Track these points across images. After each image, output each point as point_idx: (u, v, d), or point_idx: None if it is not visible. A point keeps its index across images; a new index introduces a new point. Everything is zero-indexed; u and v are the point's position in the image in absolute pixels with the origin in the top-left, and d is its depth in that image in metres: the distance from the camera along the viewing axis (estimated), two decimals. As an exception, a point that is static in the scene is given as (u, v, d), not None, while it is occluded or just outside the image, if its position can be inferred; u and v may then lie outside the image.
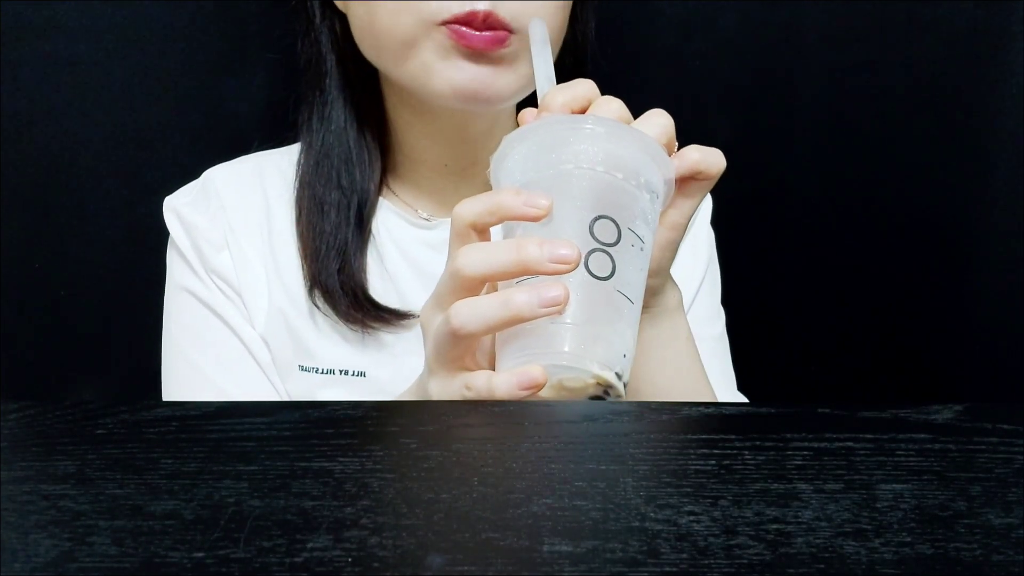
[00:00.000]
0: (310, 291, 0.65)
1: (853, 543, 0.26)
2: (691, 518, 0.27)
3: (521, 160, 0.43)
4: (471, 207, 0.42)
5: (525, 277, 0.41)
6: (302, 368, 0.66)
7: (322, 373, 0.66)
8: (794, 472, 0.30)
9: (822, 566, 0.25)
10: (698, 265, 0.73)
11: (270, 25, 0.78)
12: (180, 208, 0.68)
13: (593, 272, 0.40)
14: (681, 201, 0.47)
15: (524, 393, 0.39)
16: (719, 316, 0.74)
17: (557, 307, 0.39)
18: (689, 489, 0.29)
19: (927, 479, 0.30)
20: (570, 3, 0.61)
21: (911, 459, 0.31)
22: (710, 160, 0.45)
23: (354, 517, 0.27)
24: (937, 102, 0.85)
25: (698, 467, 0.30)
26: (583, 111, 0.45)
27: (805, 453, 0.31)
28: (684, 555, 0.25)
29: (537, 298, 0.39)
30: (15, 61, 0.76)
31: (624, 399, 0.41)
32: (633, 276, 0.42)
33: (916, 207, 0.88)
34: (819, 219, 0.89)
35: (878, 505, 0.28)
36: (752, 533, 0.26)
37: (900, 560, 0.25)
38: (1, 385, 0.82)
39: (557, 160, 0.42)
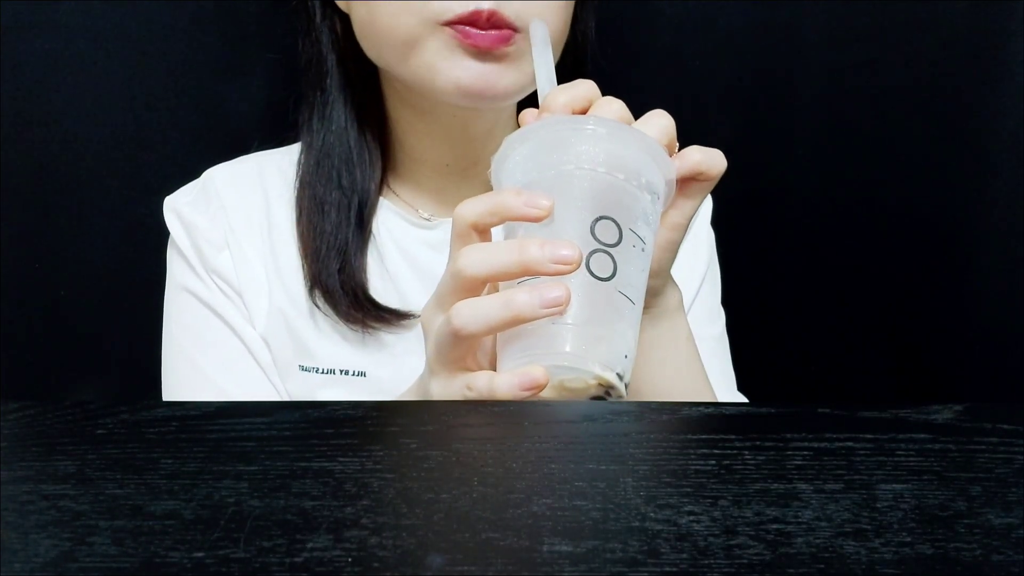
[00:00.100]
0: (310, 291, 0.65)
1: (853, 543, 0.26)
2: (691, 518, 0.27)
3: (522, 161, 0.43)
4: (472, 207, 0.42)
5: (526, 278, 0.41)
6: (302, 368, 0.66)
7: (322, 373, 0.66)
8: (794, 472, 0.30)
9: (822, 566, 0.25)
10: (698, 265, 0.73)
11: (270, 25, 0.78)
12: (180, 208, 0.68)
13: (594, 273, 0.40)
14: (682, 202, 0.47)
15: (525, 394, 0.39)
16: (719, 316, 0.74)
17: (558, 308, 0.39)
18: (689, 489, 0.29)
19: (927, 479, 0.30)
20: (572, 3, 0.61)
21: (911, 459, 0.31)
22: (711, 161, 0.45)
23: (354, 517, 0.27)
24: (937, 102, 0.85)
25: (698, 467, 0.30)
26: (584, 112, 0.45)
27: (805, 453, 0.31)
28: (684, 555, 0.25)
29: (538, 299, 0.39)
30: (15, 61, 0.76)
31: (625, 399, 0.41)
32: (634, 277, 0.42)
33: (916, 207, 0.88)
34: (819, 219, 0.89)
35: (878, 505, 0.28)
36: (752, 533, 0.26)
37: (900, 560, 0.25)
38: (1, 385, 0.82)
39: (558, 161, 0.42)
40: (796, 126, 0.87)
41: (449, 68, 0.57)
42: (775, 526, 0.27)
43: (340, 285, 0.64)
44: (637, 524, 0.27)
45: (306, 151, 0.67)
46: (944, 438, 0.33)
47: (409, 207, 0.69)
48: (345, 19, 0.64)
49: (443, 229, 0.68)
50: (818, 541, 0.26)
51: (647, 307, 0.48)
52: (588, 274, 0.40)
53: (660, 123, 0.45)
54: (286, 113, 0.69)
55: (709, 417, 0.36)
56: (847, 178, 0.88)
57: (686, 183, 0.46)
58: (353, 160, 0.66)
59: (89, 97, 0.78)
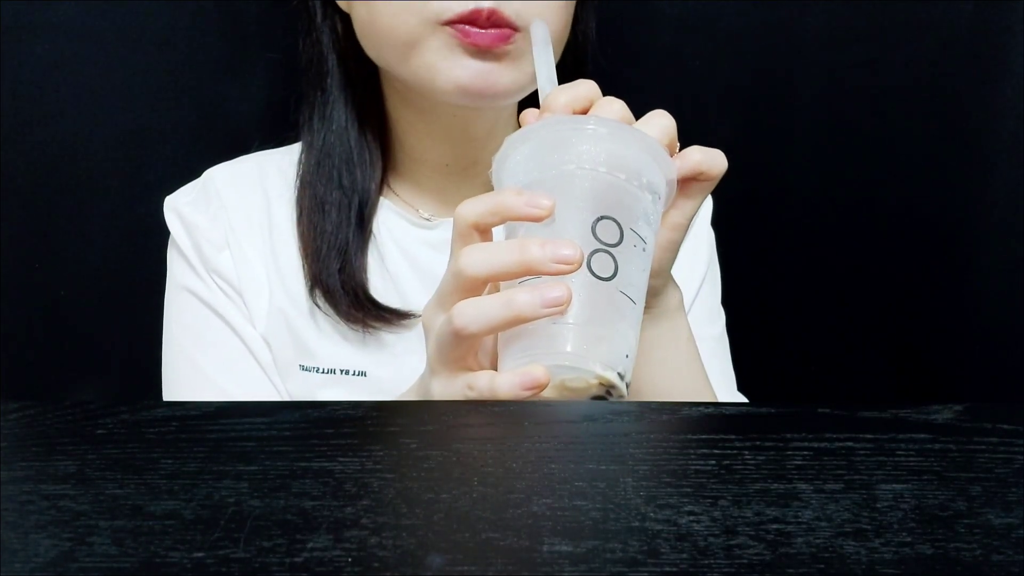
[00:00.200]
0: (311, 291, 0.65)
1: (853, 543, 0.26)
2: (691, 518, 0.27)
3: (523, 160, 0.44)
4: (473, 207, 0.42)
5: (527, 277, 0.41)
6: (303, 368, 0.66)
7: (323, 373, 0.66)
8: (794, 472, 0.30)
9: (822, 566, 0.25)
10: (698, 265, 0.73)
11: (270, 25, 0.78)
12: (181, 208, 0.68)
13: (595, 272, 0.40)
14: (682, 202, 0.47)
15: (527, 393, 0.39)
16: (719, 316, 0.74)
17: (559, 307, 0.39)
18: (689, 489, 0.29)
19: (927, 479, 0.30)
20: (572, 3, 0.61)
21: (911, 459, 0.31)
22: (712, 161, 0.45)
23: (354, 517, 0.27)
24: (937, 102, 0.85)
25: (698, 467, 0.30)
26: (585, 112, 0.45)
27: (805, 453, 0.31)
28: (684, 555, 0.25)
29: (540, 298, 0.39)
30: (15, 61, 0.76)
31: (626, 399, 0.41)
32: (635, 276, 0.42)
33: (916, 207, 0.88)
34: (819, 219, 0.89)
35: (878, 505, 0.28)
36: (752, 533, 0.26)
37: (900, 560, 0.25)
38: (1, 385, 0.82)
39: (559, 161, 0.42)
40: (796, 126, 0.87)
41: (449, 68, 0.57)
42: (775, 526, 0.27)
43: (341, 285, 0.64)
44: (637, 524, 0.27)
45: (307, 151, 0.67)
46: (944, 438, 0.33)
47: (409, 207, 0.69)
48: (346, 19, 0.64)
49: (443, 229, 0.68)
50: (818, 541, 0.26)
51: (648, 307, 0.48)
52: (589, 274, 0.40)
53: (661, 123, 0.45)
54: (286, 113, 0.69)
55: (709, 417, 0.36)
56: (847, 178, 0.88)
57: (687, 183, 0.46)
58: (354, 160, 0.66)
59: (89, 97, 0.78)
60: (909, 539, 0.26)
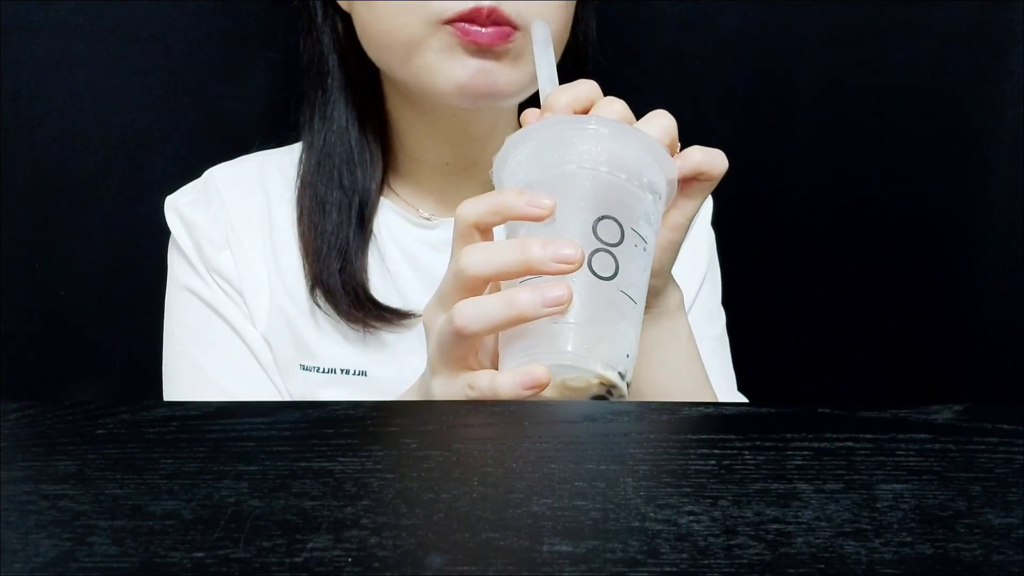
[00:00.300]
0: (311, 290, 0.65)
1: (853, 543, 0.26)
2: (691, 518, 0.27)
3: (524, 160, 0.44)
4: (475, 207, 0.42)
5: (528, 277, 0.41)
6: (303, 367, 0.66)
7: (323, 372, 0.66)
8: (794, 472, 0.30)
9: (822, 566, 0.25)
10: (698, 265, 0.73)
11: (270, 25, 0.78)
12: (181, 207, 0.68)
13: (596, 272, 0.40)
14: (683, 202, 0.47)
15: (527, 393, 0.39)
16: (719, 316, 0.74)
17: (560, 307, 0.39)
18: (689, 489, 0.29)
19: (927, 479, 0.30)
20: (573, 3, 0.61)
21: (911, 459, 0.31)
22: (712, 161, 0.45)
23: (354, 517, 0.27)
24: (937, 102, 0.85)
25: (698, 467, 0.30)
26: (586, 112, 0.45)
27: (805, 453, 0.31)
28: (684, 555, 0.25)
29: (541, 298, 0.39)
30: (15, 61, 0.76)
31: (627, 399, 0.41)
32: (636, 276, 0.42)
33: (916, 207, 0.88)
34: (819, 219, 0.89)
35: (878, 505, 0.28)
36: (752, 533, 0.26)
37: (900, 560, 0.25)
38: (1, 385, 0.82)
39: (560, 160, 0.42)
40: (796, 126, 0.87)
41: (449, 68, 0.57)
42: (775, 526, 0.27)
43: (341, 284, 0.64)
44: (637, 524, 0.27)
45: (307, 151, 0.67)
46: (944, 438, 0.33)
47: (410, 207, 0.69)
48: (347, 19, 0.64)
49: (443, 229, 0.68)
50: (818, 541, 0.26)
51: (648, 307, 0.48)
52: (590, 273, 0.40)
53: (662, 123, 0.45)
54: (287, 113, 0.69)
55: (709, 417, 0.36)
56: (847, 178, 0.88)
57: (687, 183, 0.46)
58: (354, 160, 0.66)
59: (89, 97, 0.78)
60: (909, 539, 0.26)
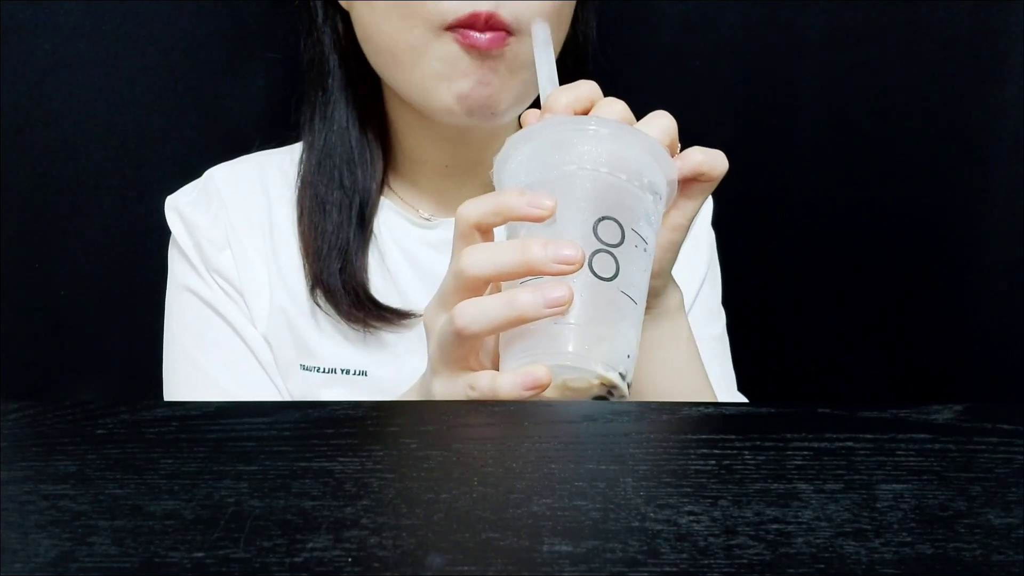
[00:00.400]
0: (312, 290, 0.65)
1: (853, 543, 0.26)
2: (691, 518, 0.27)
3: (525, 161, 0.44)
4: (475, 207, 0.42)
5: (529, 278, 0.41)
6: (304, 367, 0.66)
7: (323, 372, 0.66)
8: (794, 472, 0.30)
9: (822, 566, 0.25)
10: (698, 266, 0.73)
11: (271, 25, 0.78)
12: (182, 207, 0.68)
13: (597, 273, 0.40)
14: (683, 202, 0.47)
15: (528, 393, 0.39)
16: (719, 316, 0.74)
17: (561, 307, 0.39)
18: (689, 489, 0.29)
19: (927, 479, 0.30)
20: (572, 3, 0.61)
21: (911, 459, 0.31)
22: (713, 162, 0.45)
23: (354, 517, 0.27)
24: (937, 102, 0.85)
25: (698, 467, 0.30)
26: (586, 112, 0.45)
27: (805, 453, 0.31)
28: (684, 555, 0.25)
29: (541, 298, 0.39)
30: (15, 61, 0.76)
31: (627, 399, 0.41)
32: (637, 277, 0.42)
33: (916, 207, 0.88)
34: (819, 219, 0.89)
35: (878, 505, 0.28)
36: (752, 533, 0.26)
37: (900, 560, 0.25)
38: (1, 385, 0.82)
39: (561, 161, 0.42)
40: (796, 126, 0.87)
41: (448, 84, 0.57)
42: (775, 526, 0.27)
43: (341, 284, 0.64)
44: (637, 524, 0.27)
45: (308, 151, 0.67)
46: (944, 438, 0.33)
47: (410, 207, 0.69)
48: (347, 18, 0.64)
49: (443, 229, 0.68)
50: (818, 541, 0.26)
51: (648, 307, 0.48)
52: (591, 274, 0.40)
53: (662, 124, 0.45)
54: (287, 113, 0.69)
55: (709, 417, 0.36)
56: (847, 178, 0.88)
57: (687, 184, 0.46)
58: (355, 160, 0.66)
59: (89, 97, 0.78)
60: (909, 539, 0.26)
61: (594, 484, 0.29)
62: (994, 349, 0.91)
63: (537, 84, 0.51)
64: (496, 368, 0.43)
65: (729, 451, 0.31)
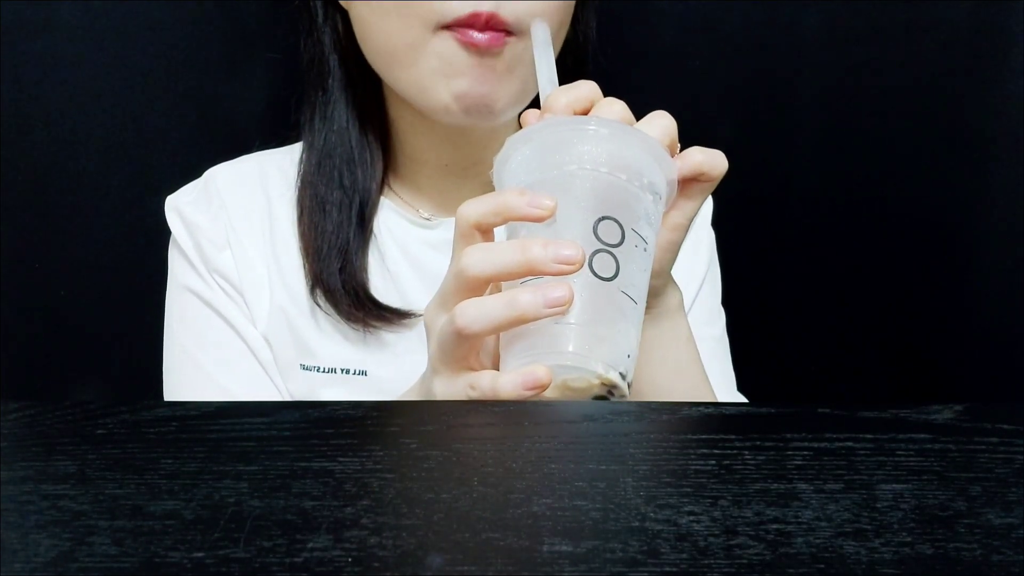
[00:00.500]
0: (312, 290, 0.65)
1: (853, 543, 0.26)
2: (691, 518, 0.27)
3: (525, 161, 0.44)
4: (476, 207, 0.42)
5: (529, 277, 0.41)
6: (304, 367, 0.66)
7: (323, 372, 0.66)
8: (794, 472, 0.30)
9: (822, 566, 0.25)
10: (698, 266, 0.73)
11: (270, 25, 0.78)
12: (182, 207, 0.68)
13: (597, 273, 0.40)
14: (683, 202, 0.47)
15: (529, 393, 0.39)
16: (719, 317, 0.74)
17: (561, 307, 0.39)
18: (689, 489, 0.29)
19: (927, 479, 0.30)
20: (572, 3, 0.61)
21: (911, 459, 0.31)
22: (713, 162, 0.45)
23: (354, 517, 0.27)
24: (937, 102, 0.85)
25: (698, 467, 0.30)
26: (586, 112, 0.45)
27: (805, 453, 0.31)
28: (684, 555, 0.25)
29: (542, 298, 0.39)
30: (15, 61, 0.76)
31: (628, 399, 0.41)
32: (637, 277, 0.42)
33: (916, 207, 0.88)
34: (819, 219, 0.89)
35: (878, 505, 0.28)
36: (752, 533, 0.26)
37: (900, 560, 0.25)
38: (1, 385, 0.82)
39: (561, 161, 0.42)
40: (796, 126, 0.87)
41: (446, 84, 0.57)
42: (775, 526, 0.27)
43: (341, 284, 0.64)
44: (637, 524, 0.27)
45: (308, 151, 0.67)
46: (944, 438, 0.33)
47: (410, 207, 0.69)
48: (347, 18, 0.64)
49: (443, 229, 0.68)
50: (818, 541, 0.26)
51: (648, 307, 0.48)
52: (591, 274, 0.40)
53: (662, 123, 0.45)
54: (287, 113, 0.69)
55: (709, 417, 0.36)
56: (847, 178, 0.88)
57: (687, 184, 0.46)
58: (355, 160, 0.66)
59: (89, 97, 0.78)
60: (909, 539, 0.26)
61: (594, 484, 0.29)
62: (994, 349, 0.91)
63: (536, 83, 0.51)
64: (496, 368, 0.43)
65: (729, 451, 0.31)
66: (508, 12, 0.55)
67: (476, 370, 0.42)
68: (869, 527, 0.27)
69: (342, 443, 0.32)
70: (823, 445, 0.32)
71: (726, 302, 0.75)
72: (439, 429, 0.34)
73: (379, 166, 0.67)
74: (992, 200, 0.87)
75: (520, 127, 0.45)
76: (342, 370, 0.66)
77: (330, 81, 0.66)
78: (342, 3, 0.64)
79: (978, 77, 0.84)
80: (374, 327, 0.65)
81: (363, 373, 0.66)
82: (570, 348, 0.40)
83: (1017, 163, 0.86)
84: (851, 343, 0.92)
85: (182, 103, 0.80)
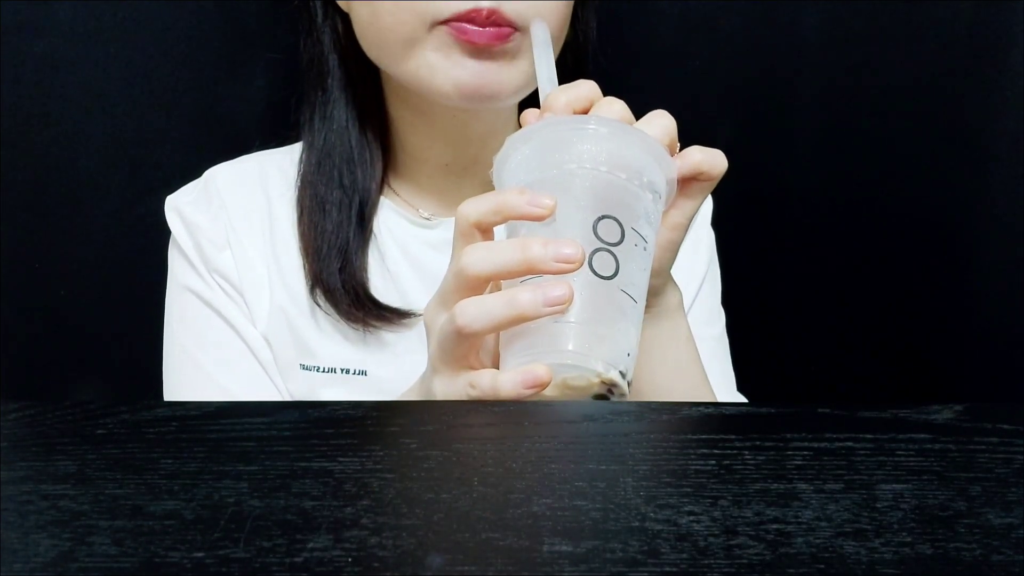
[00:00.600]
0: (311, 290, 0.65)
1: (853, 543, 0.26)
2: (691, 518, 0.27)
3: (524, 160, 0.44)
4: (476, 206, 0.42)
5: (529, 276, 0.41)
6: (303, 367, 0.66)
7: (323, 372, 0.66)
8: (794, 472, 0.30)
9: (822, 566, 0.25)
10: (698, 266, 0.73)
11: (270, 25, 0.78)
12: (182, 207, 0.68)
13: (597, 271, 0.40)
14: (683, 202, 0.47)
15: (529, 392, 0.39)
16: (719, 316, 0.74)
17: (561, 306, 0.39)
18: (689, 489, 0.29)
19: (927, 479, 0.30)
20: (572, 2, 0.61)
21: (911, 459, 0.31)
22: (712, 161, 0.45)
23: (354, 517, 0.27)
24: (937, 102, 0.85)
25: (698, 467, 0.30)
26: (586, 112, 0.45)
27: (805, 453, 0.31)
28: (684, 555, 0.25)
29: (542, 297, 0.39)
30: (15, 61, 0.76)
31: (628, 399, 0.41)
32: (637, 276, 0.42)
33: (916, 207, 0.88)
34: (819, 219, 0.89)
35: (878, 505, 0.28)
36: (752, 533, 0.26)
37: (900, 560, 0.25)
38: (1, 385, 0.82)
39: (560, 160, 0.42)
40: (796, 126, 0.86)
41: (447, 68, 0.57)
42: (775, 526, 0.27)
43: (341, 284, 0.64)
44: (637, 524, 0.27)
45: (307, 150, 0.67)
46: (944, 438, 0.33)
47: (409, 206, 0.69)
48: (346, 19, 0.64)
49: (443, 228, 0.68)
50: (818, 541, 0.26)
51: (647, 307, 0.48)
52: (591, 273, 0.40)
53: (661, 123, 0.45)
54: (287, 113, 0.69)
55: (709, 417, 0.36)
56: (847, 178, 0.88)
57: (687, 183, 0.46)
58: (354, 159, 0.66)
59: (89, 97, 0.78)
60: (909, 539, 0.26)
61: (594, 484, 0.29)
62: (994, 349, 0.91)
63: (536, 74, 0.51)
64: (496, 367, 0.43)
65: (729, 451, 0.31)
66: (509, 10, 0.55)
67: (476, 369, 0.42)
68: (869, 527, 0.27)
69: (342, 443, 0.32)
70: (823, 445, 0.32)
71: (726, 302, 0.75)
72: (439, 429, 0.34)
73: (379, 166, 0.67)
74: (992, 200, 0.87)
75: (520, 126, 0.45)
76: (342, 370, 0.66)
77: (330, 81, 0.66)
78: (340, 5, 0.64)
79: (978, 77, 0.84)
80: (374, 327, 0.65)
81: (363, 373, 0.66)
82: (570, 347, 0.40)
83: (1017, 163, 0.86)
84: (851, 343, 0.92)
85: (182, 103, 0.80)
